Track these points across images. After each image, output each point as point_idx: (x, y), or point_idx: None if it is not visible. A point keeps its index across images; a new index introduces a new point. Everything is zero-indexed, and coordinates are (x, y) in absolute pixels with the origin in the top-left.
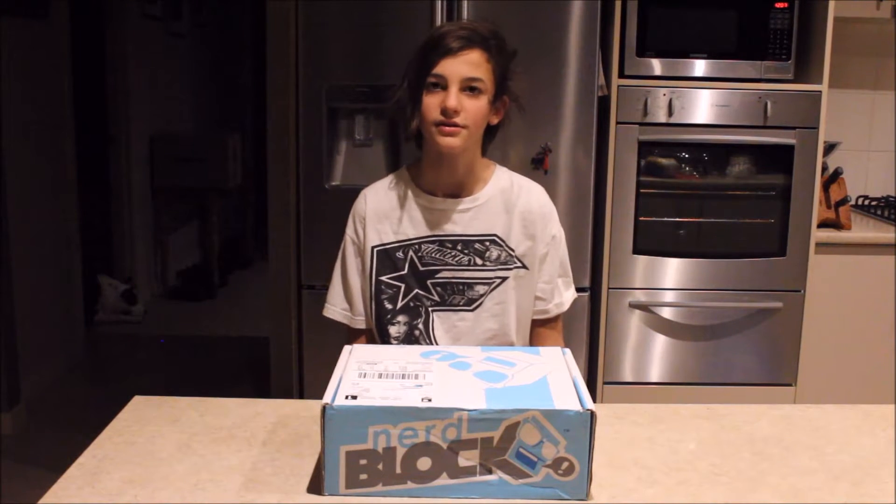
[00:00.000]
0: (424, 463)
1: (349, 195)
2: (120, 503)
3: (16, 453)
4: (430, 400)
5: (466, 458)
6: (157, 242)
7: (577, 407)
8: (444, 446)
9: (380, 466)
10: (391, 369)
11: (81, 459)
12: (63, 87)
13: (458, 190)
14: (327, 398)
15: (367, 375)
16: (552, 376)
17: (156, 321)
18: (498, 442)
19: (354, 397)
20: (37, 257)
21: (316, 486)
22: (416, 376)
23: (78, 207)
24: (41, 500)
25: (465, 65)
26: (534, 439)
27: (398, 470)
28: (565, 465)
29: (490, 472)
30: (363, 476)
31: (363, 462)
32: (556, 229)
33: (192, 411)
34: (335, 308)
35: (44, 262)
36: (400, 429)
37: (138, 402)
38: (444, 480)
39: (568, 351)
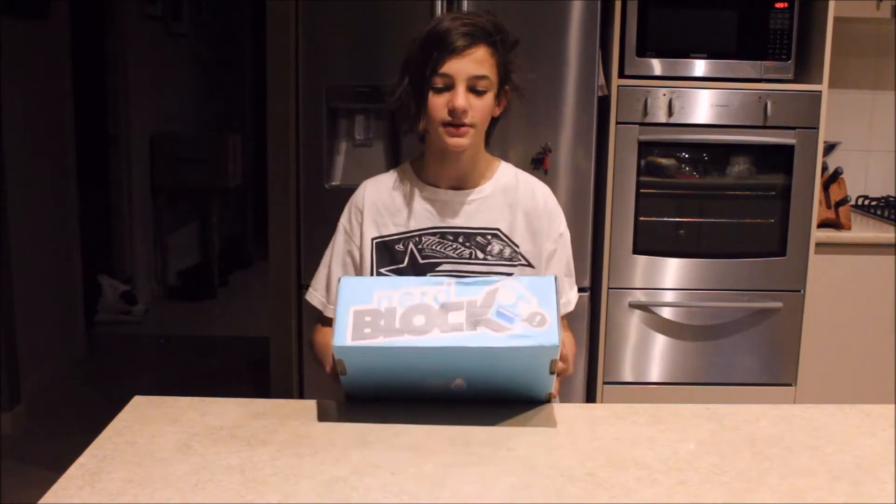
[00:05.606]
0: (420, 320)
1: (349, 195)
2: (120, 503)
3: (16, 453)
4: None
5: (455, 316)
6: (157, 242)
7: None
8: (437, 307)
9: (382, 322)
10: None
11: (81, 459)
12: (63, 87)
13: (462, 183)
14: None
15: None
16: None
17: (156, 321)
18: (481, 303)
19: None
20: (37, 257)
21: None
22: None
23: (78, 207)
24: (41, 500)
25: (472, 63)
26: (511, 300)
27: (397, 325)
28: (538, 318)
29: (475, 327)
30: (367, 330)
31: (368, 318)
32: (564, 227)
33: (192, 411)
34: (315, 294)
35: (44, 262)
36: (400, 293)
37: (138, 402)
38: (436, 334)
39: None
